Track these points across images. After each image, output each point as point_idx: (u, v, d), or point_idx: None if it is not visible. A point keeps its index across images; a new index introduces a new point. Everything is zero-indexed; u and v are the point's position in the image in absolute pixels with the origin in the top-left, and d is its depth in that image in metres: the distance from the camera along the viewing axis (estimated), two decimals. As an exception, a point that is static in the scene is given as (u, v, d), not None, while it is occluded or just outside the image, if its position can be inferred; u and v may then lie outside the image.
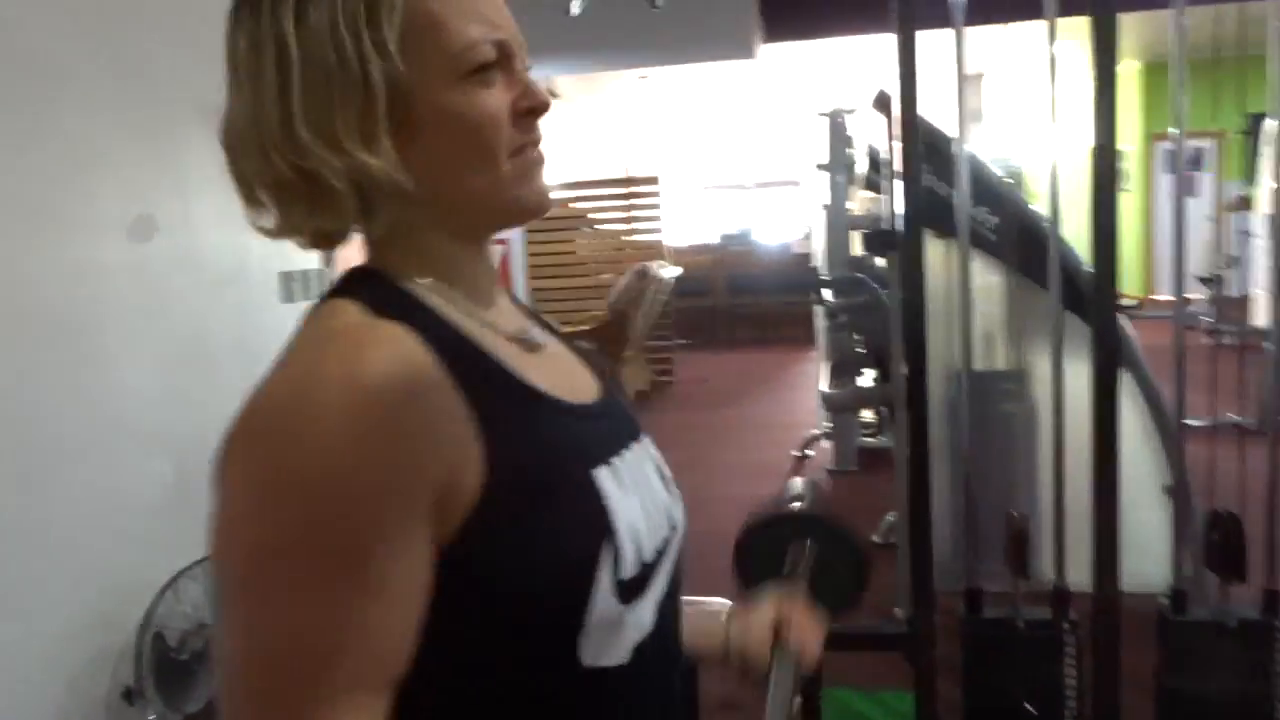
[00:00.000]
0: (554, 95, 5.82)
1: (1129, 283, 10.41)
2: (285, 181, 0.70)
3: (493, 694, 0.70)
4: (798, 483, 1.51)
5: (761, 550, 1.26)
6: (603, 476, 0.73)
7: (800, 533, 1.25)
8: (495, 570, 0.66)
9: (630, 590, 0.71)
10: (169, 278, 3.14)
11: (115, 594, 2.68)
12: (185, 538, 2.97)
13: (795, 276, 9.48)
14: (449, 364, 0.67)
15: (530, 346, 0.78)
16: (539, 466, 0.69)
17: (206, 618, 2.76)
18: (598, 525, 0.70)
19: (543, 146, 0.76)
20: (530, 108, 0.73)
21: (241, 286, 3.53)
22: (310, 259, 3.90)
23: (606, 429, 0.79)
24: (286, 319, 3.55)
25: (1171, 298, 2.70)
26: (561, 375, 0.79)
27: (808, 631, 0.97)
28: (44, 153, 2.64)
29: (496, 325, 0.76)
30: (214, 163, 2.79)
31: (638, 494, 0.75)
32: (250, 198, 0.74)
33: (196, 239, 3.26)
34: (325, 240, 0.75)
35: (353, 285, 0.74)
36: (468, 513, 0.65)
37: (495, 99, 0.71)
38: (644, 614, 0.74)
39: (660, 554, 0.76)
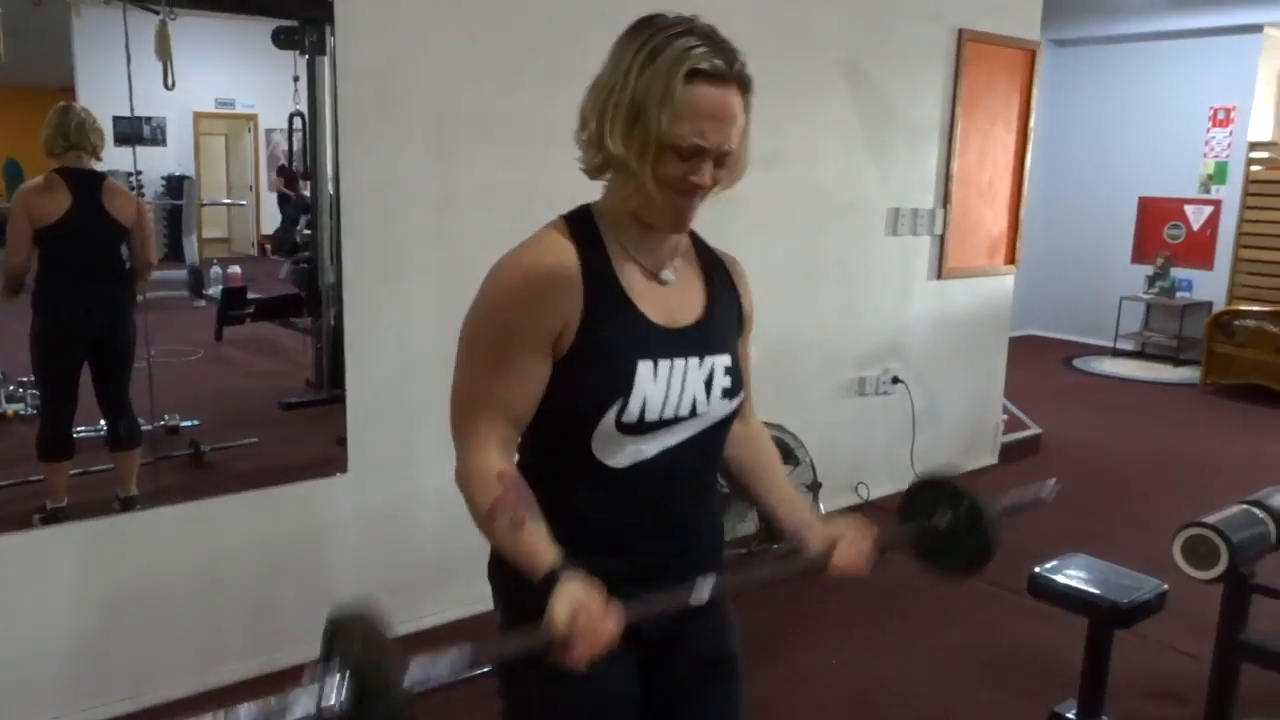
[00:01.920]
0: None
1: None
2: (587, 139, 1.22)
3: (549, 447, 1.26)
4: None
5: (923, 496, 1.48)
6: (643, 367, 1.21)
7: (949, 499, 1.44)
8: (564, 386, 1.21)
9: (627, 429, 1.20)
10: (793, 203, 3.89)
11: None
12: (759, 402, 3.77)
13: None
14: (584, 269, 1.20)
15: (658, 280, 1.27)
16: (604, 344, 1.20)
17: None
18: (621, 388, 1.20)
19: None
20: (692, 184, 1.19)
21: (853, 217, 4.16)
22: (923, 199, 4.38)
23: (671, 342, 1.24)
24: (889, 249, 4.28)
25: None
26: (665, 303, 1.26)
27: (852, 554, 1.32)
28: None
29: (640, 260, 1.26)
30: (840, 109, 3.70)
31: (666, 384, 1.22)
32: (582, 139, 1.24)
33: (818, 172, 3.95)
34: (591, 175, 1.25)
35: (578, 210, 1.28)
36: (564, 354, 1.20)
37: (676, 168, 1.18)
38: (644, 447, 1.22)
39: (668, 422, 1.23)
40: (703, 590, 1.22)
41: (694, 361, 1.26)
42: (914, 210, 4.35)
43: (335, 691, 0.94)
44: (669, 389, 1.23)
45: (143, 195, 3.17)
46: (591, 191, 1.30)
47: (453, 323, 1.28)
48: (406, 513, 2.97)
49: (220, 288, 3.44)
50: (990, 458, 5.07)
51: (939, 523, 1.44)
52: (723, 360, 1.30)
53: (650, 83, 1.15)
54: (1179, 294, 8.13)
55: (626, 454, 1.22)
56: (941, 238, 4.51)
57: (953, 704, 2.81)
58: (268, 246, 3.43)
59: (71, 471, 2.70)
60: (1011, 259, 4.91)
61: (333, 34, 2.68)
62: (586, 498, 1.25)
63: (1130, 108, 8.48)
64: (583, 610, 1.10)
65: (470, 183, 2.89)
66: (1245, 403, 6.70)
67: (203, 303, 3.45)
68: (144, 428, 2.90)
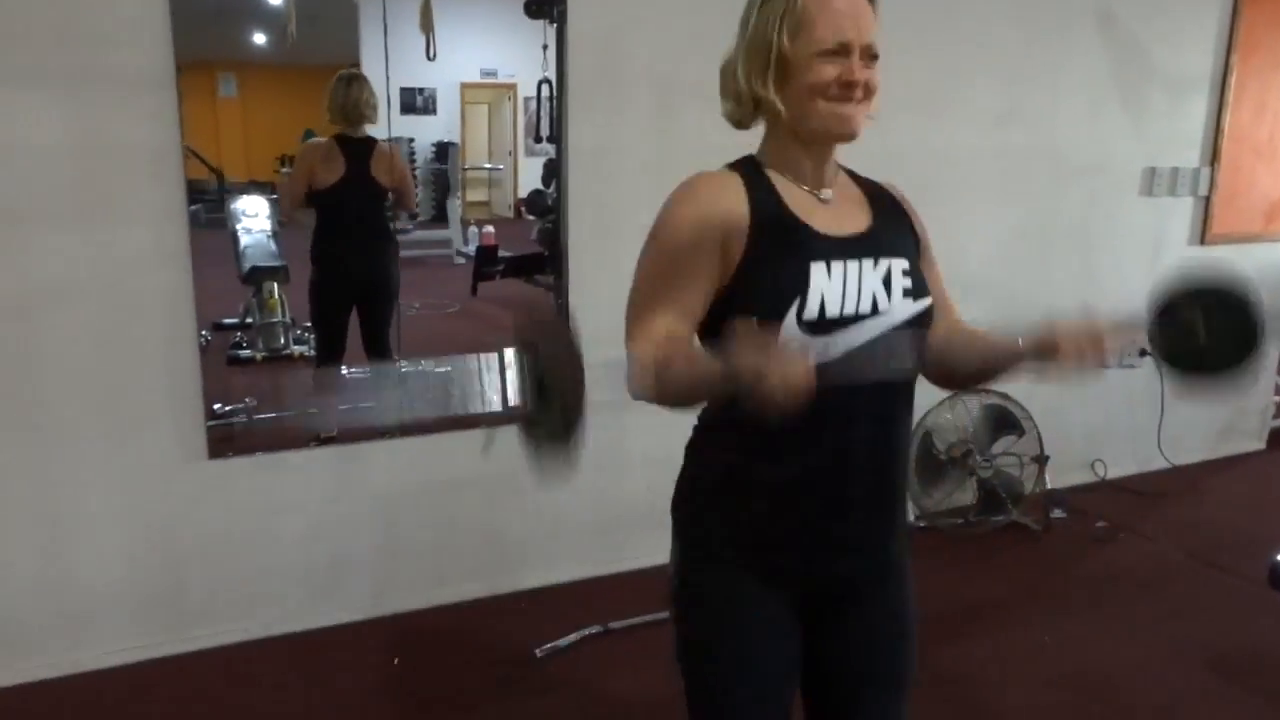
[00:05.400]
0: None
1: None
2: (731, 92, 1.32)
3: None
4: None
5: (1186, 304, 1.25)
6: (816, 267, 1.23)
7: (1204, 304, 1.22)
8: (742, 294, 1.24)
9: (811, 326, 1.21)
10: (1028, 163, 3.71)
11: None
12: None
13: None
14: (749, 189, 1.28)
15: (819, 199, 1.32)
16: (775, 251, 1.24)
17: (970, 435, 3.48)
18: (799, 287, 1.22)
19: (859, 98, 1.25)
20: (846, 81, 1.23)
21: (1100, 177, 3.90)
22: (1182, 158, 4.04)
23: (841, 246, 1.27)
24: (1141, 213, 4.07)
25: None
26: (829, 216, 1.30)
27: (1085, 343, 1.19)
28: (937, 54, 3.40)
29: (804, 186, 1.32)
30: (1086, 61, 3.59)
31: (841, 281, 1.24)
32: (721, 93, 1.34)
33: (1059, 132, 3.74)
34: (738, 125, 1.34)
35: (739, 159, 1.35)
36: (736, 265, 1.24)
37: (828, 71, 1.23)
38: (829, 344, 1.21)
39: (850, 318, 1.23)
40: (905, 358, 1.24)
41: (868, 263, 1.28)
42: (1173, 169, 4.02)
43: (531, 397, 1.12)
44: (845, 287, 1.24)
45: (414, 162, 3.54)
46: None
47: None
48: (618, 457, 3.14)
49: (475, 245, 3.78)
50: (1257, 443, 4.63)
51: (1190, 316, 1.22)
52: (900, 263, 1.31)
53: (770, 8, 1.25)
54: None
55: (811, 349, 1.18)
56: (1207, 199, 4.13)
57: (1174, 698, 2.64)
58: (522, 209, 3.71)
59: (342, 407, 3.09)
60: (1294, 224, 4.42)
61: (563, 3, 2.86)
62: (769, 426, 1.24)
63: None
64: (773, 350, 1.07)
65: (684, 145, 3.01)
66: None
67: (462, 260, 3.81)
68: (404, 370, 3.25)
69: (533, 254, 3.41)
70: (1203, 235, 4.17)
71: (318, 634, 2.85)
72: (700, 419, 1.37)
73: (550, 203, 3.06)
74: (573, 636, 2.78)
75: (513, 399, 1.25)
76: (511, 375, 1.25)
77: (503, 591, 3.08)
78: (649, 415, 1.31)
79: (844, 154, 1.39)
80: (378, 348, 3.16)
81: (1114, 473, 4.09)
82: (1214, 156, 4.09)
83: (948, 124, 3.50)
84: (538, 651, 2.72)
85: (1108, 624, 2.97)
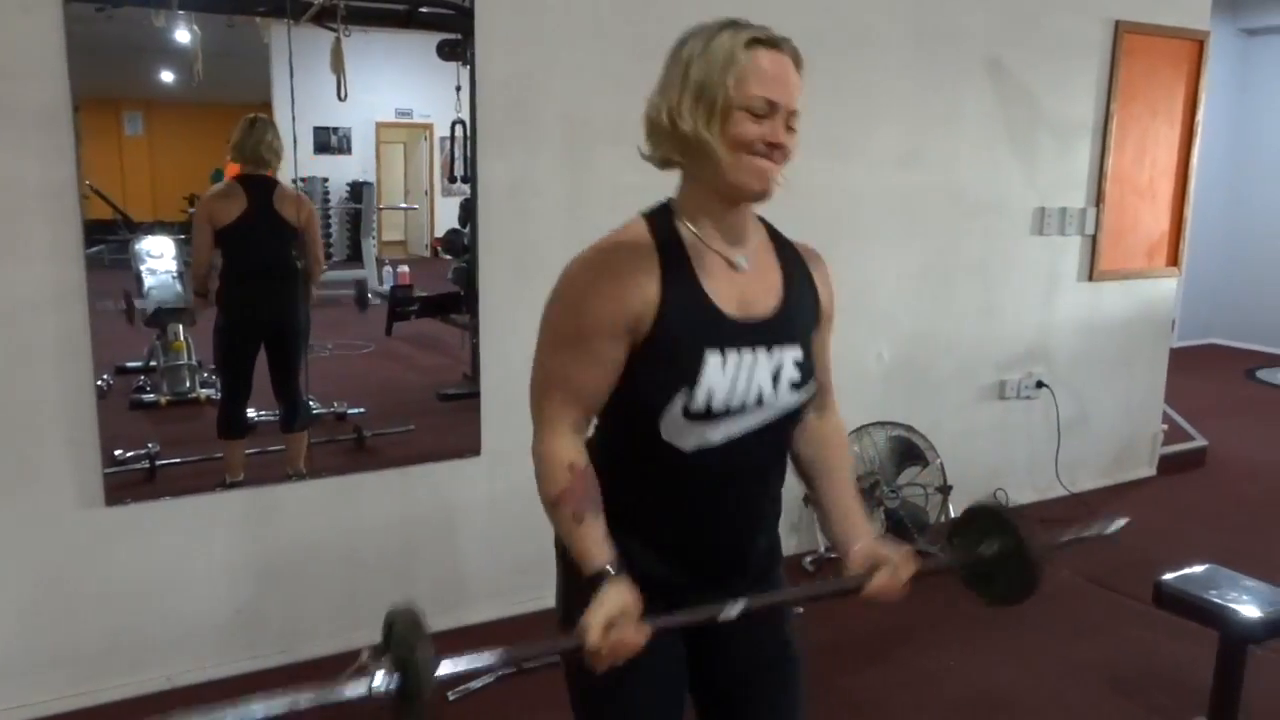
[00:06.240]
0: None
1: None
2: (666, 134, 1.28)
3: (622, 428, 1.33)
4: None
5: (973, 524, 1.50)
6: (711, 356, 1.26)
7: (998, 530, 1.45)
8: (635, 373, 1.27)
9: (694, 417, 1.26)
10: (931, 203, 3.87)
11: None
12: (890, 403, 3.79)
13: None
14: (661, 260, 1.27)
15: (733, 267, 1.32)
16: (677, 333, 1.26)
17: (877, 467, 3.57)
18: (689, 377, 1.25)
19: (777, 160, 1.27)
20: (769, 142, 1.24)
21: (996, 217, 4.08)
22: (1069, 198, 4.25)
23: (741, 333, 1.29)
24: (1034, 250, 4.28)
25: None
26: (740, 292, 1.31)
27: (890, 581, 1.34)
28: (846, 103, 3.55)
29: (717, 249, 1.31)
30: (982, 107, 3.76)
31: (733, 375, 1.27)
32: (648, 137, 1.32)
33: (957, 172, 3.91)
34: (662, 165, 1.32)
35: (657, 205, 1.35)
36: (640, 341, 1.25)
37: (754, 130, 1.24)
38: (709, 433, 1.28)
39: (735, 411, 1.28)
40: (733, 608, 1.27)
41: (762, 353, 1.31)
42: (1062, 209, 4.23)
43: (384, 680, 1.11)
44: (736, 380, 1.28)
45: (328, 201, 3.51)
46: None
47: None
48: (530, 497, 3.13)
49: (390, 285, 3.76)
50: (1147, 469, 4.85)
51: (985, 552, 1.45)
52: (792, 353, 1.34)
53: (712, 60, 1.24)
54: (1383, 300, 7.47)
55: (693, 439, 1.28)
56: (1094, 238, 4.35)
57: (1073, 716, 2.75)
58: (439, 248, 3.70)
59: (249, 450, 3.03)
60: (1174, 261, 4.68)
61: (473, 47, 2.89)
62: (652, 476, 1.33)
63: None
64: (617, 621, 1.18)
65: (599, 184, 3.07)
66: None
67: (378, 301, 3.78)
68: (316, 412, 3.21)
69: (448, 293, 3.42)
70: (1090, 271, 4.38)
71: (227, 683, 2.77)
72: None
73: (467, 242, 3.08)
74: (487, 678, 2.75)
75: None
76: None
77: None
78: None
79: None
80: (287, 390, 3.11)
81: (1015, 500, 4.22)
82: (1099, 197, 4.32)
83: (856, 167, 3.64)
84: (450, 695, 2.69)
85: (1010, 646, 3.07)
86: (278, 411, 3.12)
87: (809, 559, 3.62)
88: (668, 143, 1.29)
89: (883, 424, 3.69)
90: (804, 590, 1.57)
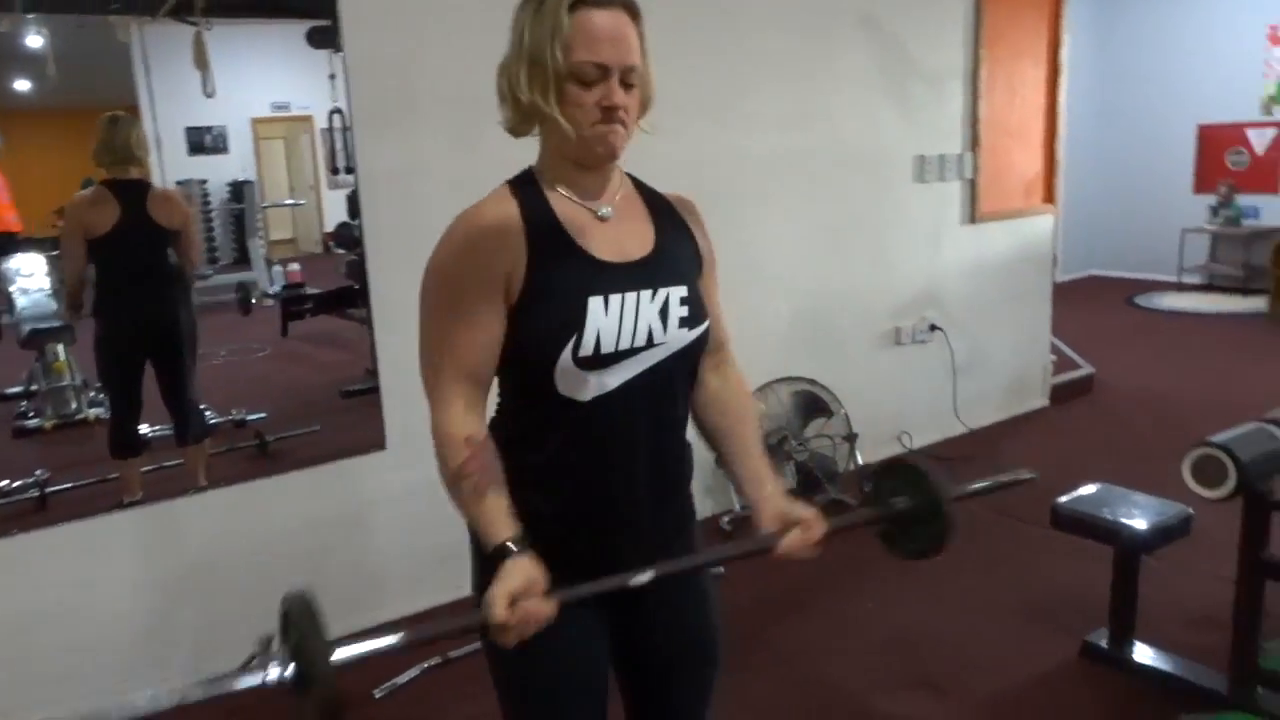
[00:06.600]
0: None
1: None
2: (511, 101, 1.29)
3: (521, 392, 1.32)
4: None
5: (887, 479, 1.52)
6: (593, 301, 1.26)
7: (910, 483, 1.47)
8: (520, 328, 1.27)
9: (585, 363, 1.25)
10: (815, 161, 3.94)
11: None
12: (792, 359, 3.86)
13: None
14: (525, 217, 1.27)
15: (600, 219, 1.32)
16: (553, 284, 1.26)
17: (784, 422, 3.64)
18: (574, 323, 1.25)
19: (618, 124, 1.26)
20: (605, 105, 1.24)
21: (878, 168, 4.18)
22: (947, 145, 4.38)
23: (620, 277, 1.29)
24: (916, 196, 4.33)
25: None
26: (611, 238, 1.31)
27: (801, 539, 1.35)
28: (725, 65, 3.57)
29: (581, 203, 1.32)
30: (857, 62, 3.76)
31: (617, 316, 1.27)
32: (500, 106, 1.32)
33: (839, 129, 3.98)
34: (515, 133, 1.32)
35: (520, 173, 1.35)
36: (516, 299, 1.26)
37: (588, 95, 1.24)
38: (606, 379, 1.27)
39: (625, 353, 1.28)
40: (643, 575, 1.26)
41: (645, 294, 1.30)
42: (940, 156, 4.35)
43: (279, 668, 1.08)
44: (622, 321, 1.28)
45: (207, 203, 3.39)
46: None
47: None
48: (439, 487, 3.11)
49: (280, 285, 3.65)
50: (1041, 400, 5.06)
51: (897, 506, 1.47)
52: (678, 291, 1.33)
53: (540, 27, 1.23)
54: (1245, 221, 7.90)
55: (589, 388, 1.27)
56: (973, 182, 4.50)
57: (988, 644, 2.87)
58: (330, 243, 3.61)
59: (146, 468, 2.93)
60: (1050, 198, 4.86)
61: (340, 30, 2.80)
62: (556, 436, 1.31)
63: (1185, 33, 8.21)
64: (522, 595, 1.16)
65: (489, 162, 3.01)
66: (1317, 327, 6.52)
67: (270, 302, 3.67)
68: (213, 421, 3.12)
69: (343, 288, 3.35)
70: (972, 214, 4.53)
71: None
72: (490, 425, 1.37)
73: (357, 234, 3.01)
74: (412, 671, 2.73)
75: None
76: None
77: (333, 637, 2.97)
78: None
79: (642, 162, 1.41)
80: (178, 401, 3.01)
81: (919, 442, 4.37)
82: (974, 142, 4.46)
83: (739, 130, 3.66)
84: (376, 693, 2.66)
85: (926, 585, 3.18)
86: (171, 425, 3.02)
87: (726, 518, 3.67)
88: (515, 113, 1.29)
89: (786, 379, 3.77)
90: (716, 553, 1.60)
